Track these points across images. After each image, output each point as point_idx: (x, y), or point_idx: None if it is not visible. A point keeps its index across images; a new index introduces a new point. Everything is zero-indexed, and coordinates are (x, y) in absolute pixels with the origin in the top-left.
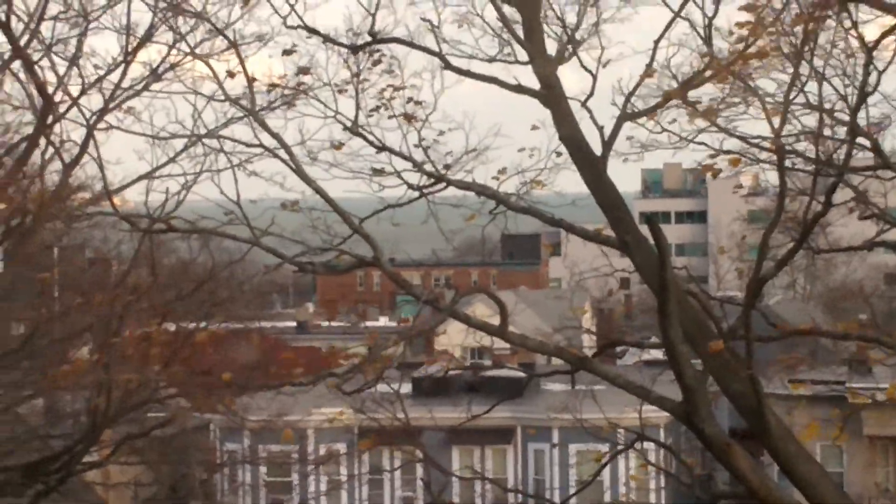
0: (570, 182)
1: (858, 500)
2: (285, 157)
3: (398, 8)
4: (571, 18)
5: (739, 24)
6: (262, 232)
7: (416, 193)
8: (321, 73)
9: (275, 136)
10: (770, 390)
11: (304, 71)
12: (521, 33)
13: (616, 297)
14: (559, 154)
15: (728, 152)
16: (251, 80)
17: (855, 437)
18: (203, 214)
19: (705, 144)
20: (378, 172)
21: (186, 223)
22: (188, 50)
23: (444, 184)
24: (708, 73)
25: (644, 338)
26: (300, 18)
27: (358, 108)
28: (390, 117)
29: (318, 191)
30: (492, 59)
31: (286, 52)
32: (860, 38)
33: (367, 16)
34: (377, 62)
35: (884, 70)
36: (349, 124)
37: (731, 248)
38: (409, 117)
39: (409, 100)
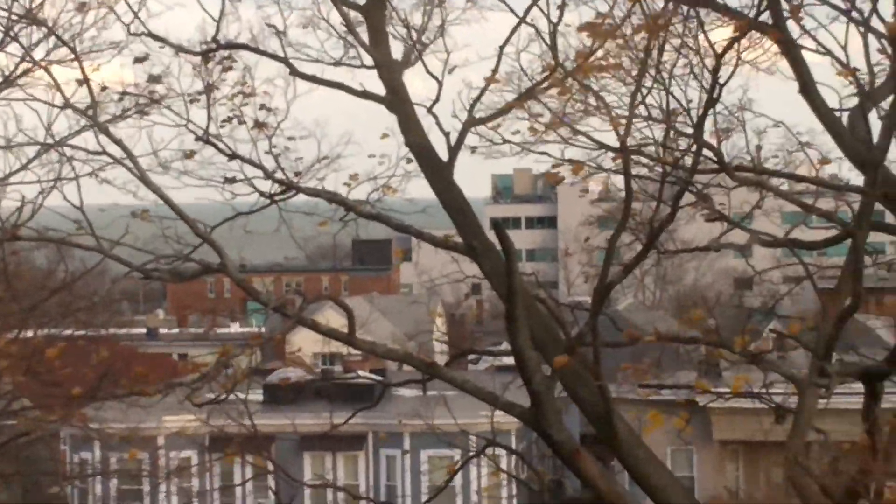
0: (422, 189)
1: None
2: (131, 165)
3: (245, 14)
4: (418, 20)
5: (581, 28)
6: (115, 243)
7: (268, 201)
8: (174, 82)
9: (119, 143)
10: (620, 395)
11: (155, 80)
12: (366, 38)
13: (468, 303)
14: (409, 160)
15: (572, 161)
16: (92, 88)
17: (704, 441)
18: (56, 223)
19: (548, 154)
20: (229, 181)
21: (35, 232)
22: (37, 58)
23: (294, 191)
24: (551, 81)
25: (495, 343)
26: (143, 26)
27: (209, 117)
28: (241, 123)
29: (165, 199)
30: (338, 63)
31: (138, 60)
32: (709, 43)
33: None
34: (228, 69)
35: (726, 82)
36: (200, 133)
37: (578, 252)
38: (260, 125)
39: (261, 106)
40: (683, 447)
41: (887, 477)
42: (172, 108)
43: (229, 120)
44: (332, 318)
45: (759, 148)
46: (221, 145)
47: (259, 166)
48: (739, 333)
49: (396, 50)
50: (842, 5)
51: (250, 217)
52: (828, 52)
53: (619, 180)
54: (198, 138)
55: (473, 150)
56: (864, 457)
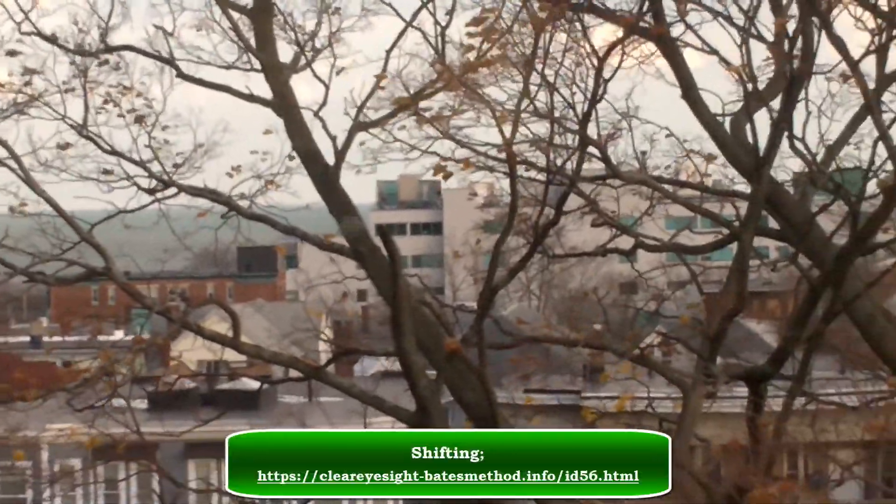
0: (306, 185)
1: None
2: (14, 165)
3: (134, 11)
4: (309, 26)
5: (470, 34)
6: None
7: (149, 198)
8: (52, 76)
9: (3, 144)
10: (505, 400)
11: (30, 72)
12: (254, 42)
13: (353, 310)
14: (293, 157)
15: (460, 161)
16: None
17: None
18: None
19: (437, 153)
20: (108, 173)
21: None
22: None
23: (176, 189)
24: (440, 83)
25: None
26: (33, 25)
27: (87, 108)
28: (119, 115)
29: (48, 200)
30: (228, 67)
31: (10, 53)
32: (591, 48)
33: (92, 13)
34: (105, 62)
35: (610, 78)
36: (78, 129)
37: (465, 256)
38: (139, 119)
39: (139, 94)
40: None
41: (773, 482)
42: (49, 104)
43: (105, 105)
44: (217, 324)
45: (644, 153)
46: (100, 140)
47: (139, 163)
48: (626, 336)
49: (287, 55)
50: (722, 10)
51: (132, 217)
52: (714, 52)
53: (505, 185)
54: (74, 129)
55: (358, 170)
56: (742, 461)
